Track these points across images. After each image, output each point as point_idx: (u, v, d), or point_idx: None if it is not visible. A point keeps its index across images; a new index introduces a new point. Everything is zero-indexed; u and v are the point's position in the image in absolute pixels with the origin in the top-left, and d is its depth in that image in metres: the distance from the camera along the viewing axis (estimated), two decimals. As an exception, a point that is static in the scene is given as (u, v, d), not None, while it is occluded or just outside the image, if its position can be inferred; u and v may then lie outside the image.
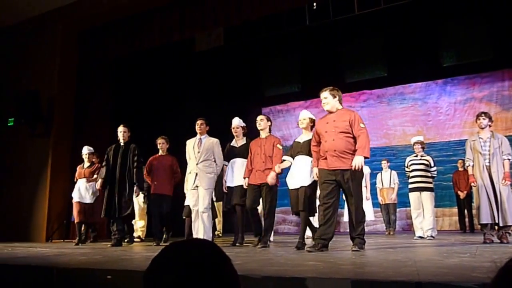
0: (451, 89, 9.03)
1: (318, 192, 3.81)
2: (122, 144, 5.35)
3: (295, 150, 4.24)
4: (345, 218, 6.71)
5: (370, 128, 9.45)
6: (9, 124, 7.57)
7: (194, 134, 5.03)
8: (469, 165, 4.72)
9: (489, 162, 4.53)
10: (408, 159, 6.07)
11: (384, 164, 7.62)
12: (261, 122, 4.73)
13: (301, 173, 4.06)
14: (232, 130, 5.17)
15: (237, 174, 4.95)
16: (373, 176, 7.64)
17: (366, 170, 6.65)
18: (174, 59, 8.50)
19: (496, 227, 4.48)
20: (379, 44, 8.41)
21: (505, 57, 7.89)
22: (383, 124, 9.61)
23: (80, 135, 7.40)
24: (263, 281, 1.98)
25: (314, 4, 6.98)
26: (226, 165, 5.10)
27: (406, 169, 6.04)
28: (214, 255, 0.79)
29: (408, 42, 8.38)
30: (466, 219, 7.76)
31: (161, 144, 5.72)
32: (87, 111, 7.68)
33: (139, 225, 6.64)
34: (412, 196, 5.82)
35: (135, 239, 6.32)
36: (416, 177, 5.80)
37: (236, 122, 5.22)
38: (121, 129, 5.36)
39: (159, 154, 5.76)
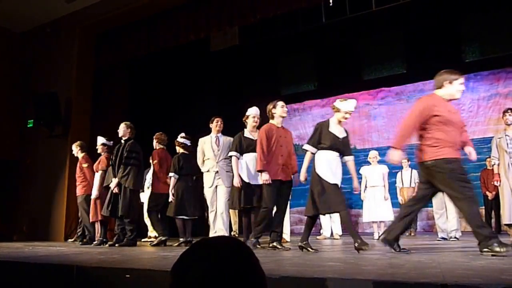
0: (474, 85, 8.76)
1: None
2: (122, 141, 5.29)
3: (335, 143, 3.75)
4: (364, 218, 6.59)
5: (388, 126, 9.43)
6: (28, 126, 7.77)
7: (210, 132, 5.00)
8: (494, 164, 4.60)
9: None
10: (429, 157, 5.90)
11: (405, 162, 7.43)
12: (284, 108, 4.22)
13: (339, 170, 3.76)
14: (253, 119, 4.62)
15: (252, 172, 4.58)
16: (392, 175, 7.47)
17: (385, 170, 6.51)
18: (190, 59, 8.53)
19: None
20: (397, 40, 8.24)
21: (532, 50, 7.59)
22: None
23: (97, 135, 7.50)
24: (282, 281, 1.94)
25: (331, 1, 6.87)
26: (239, 158, 4.56)
27: (428, 167, 5.87)
28: (242, 253, 0.80)
29: (428, 37, 8.16)
30: (493, 220, 7.50)
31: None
32: (104, 112, 7.79)
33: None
34: (435, 196, 5.65)
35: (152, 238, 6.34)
36: (438, 176, 5.63)
37: (257, 111, 4.71)
38: (120, 126, 5.31)
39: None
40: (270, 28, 7.69)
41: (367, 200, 6.39)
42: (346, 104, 3.76)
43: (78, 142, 6.13)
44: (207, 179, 4.92)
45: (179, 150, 5.39)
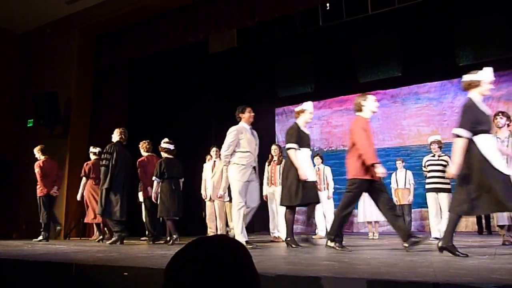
0: (468, 88, 8.87)
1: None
2: None
3: (490, 124, 3.06)
4: (359, 218, 6.65)
5: (383, 128, 9.51)
6: (28, 125, 7.78)
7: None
8: (486, 166, 4.65)
9: (507, 162, 4.44)
10: (425, 159, 5.99)
11: (399, 164, 7.50)
12: (376, 102, 3.87)
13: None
14: (309, 115, 4.39)
15: (308, 167, 4.24)
16: (387, 176, 7.53)
17: (380, 170, 6.57)
18: (188, 60, 8.57)
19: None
20: (393, 44, 8.31)
21: (524, 55, 7.68)
22: (397, 124, 9.50)
23: (96, 135, 7.53)
24: (277, 279, 1.97)
25: (328, 4, 6.94)
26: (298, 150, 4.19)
27: (424, 169, 5.95)
28: (236, 253, 0.79)
29: (422, 41, 8.25)
30: (483, 221, 7.61)
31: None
32: (104, 112, 7.82)
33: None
34: (429, 196, 5.74)
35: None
36: (433, 177, 5.72)
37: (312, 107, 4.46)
38: None
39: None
40: (268, 31, 7.74)
41: (362, 200, 6.46)
42: (486, 72, 3.03)
43: (39, 146, 6.44)
44: (243, 173, 4.22)
45: (163, 154, 5.53)
